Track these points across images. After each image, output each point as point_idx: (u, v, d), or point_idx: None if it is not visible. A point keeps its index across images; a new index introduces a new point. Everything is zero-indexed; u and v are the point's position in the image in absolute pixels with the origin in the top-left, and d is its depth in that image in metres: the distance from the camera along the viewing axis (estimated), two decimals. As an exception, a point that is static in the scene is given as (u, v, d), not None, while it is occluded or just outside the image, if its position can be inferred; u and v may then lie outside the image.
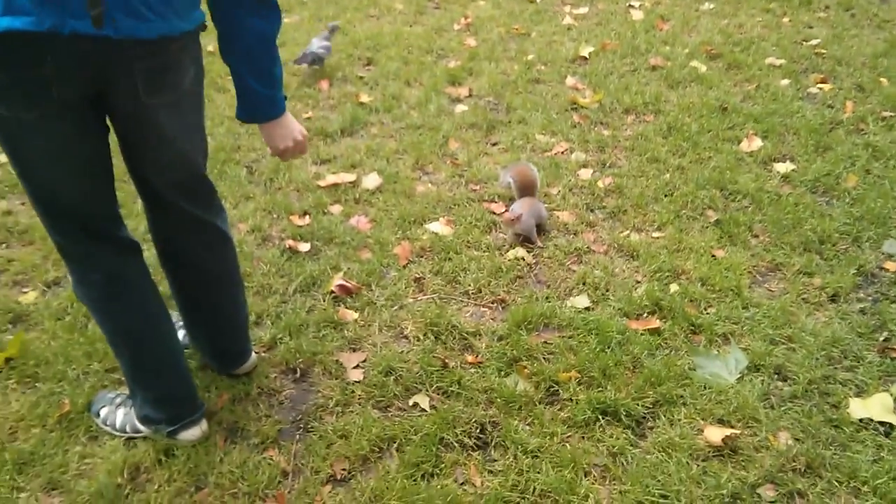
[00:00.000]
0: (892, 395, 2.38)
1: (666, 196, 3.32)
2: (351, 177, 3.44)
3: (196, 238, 2.17)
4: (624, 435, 2.23)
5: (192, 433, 2.20)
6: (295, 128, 2.06)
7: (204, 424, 2.23)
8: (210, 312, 2.33)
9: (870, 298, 2.80)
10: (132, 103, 1.78)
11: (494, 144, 3.78)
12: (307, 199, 3.30)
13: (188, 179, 2.06)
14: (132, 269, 2.08)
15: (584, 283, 2.84)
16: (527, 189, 3.17)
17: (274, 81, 1.95)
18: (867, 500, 2.06)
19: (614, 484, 2.11)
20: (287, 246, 3.01)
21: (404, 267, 2.92)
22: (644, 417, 2.30)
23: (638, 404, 2.32)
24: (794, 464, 2.15)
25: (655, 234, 3.11)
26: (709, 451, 2.19)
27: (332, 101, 4.16)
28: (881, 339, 2.60)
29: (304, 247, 3.01)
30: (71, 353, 2.52)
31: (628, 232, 3.13)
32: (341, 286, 2.76)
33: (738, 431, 2.23)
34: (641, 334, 2.57)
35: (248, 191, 3.39)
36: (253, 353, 2.44)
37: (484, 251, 3.00)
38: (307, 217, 3.19)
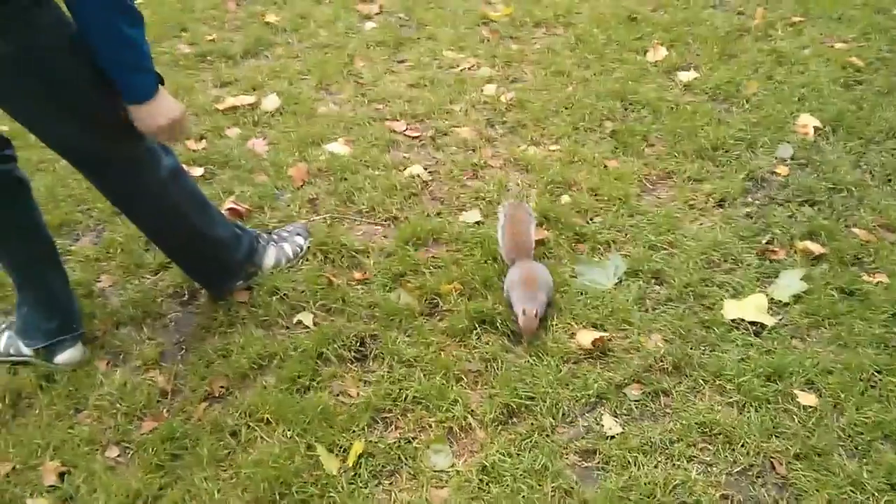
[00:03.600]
0: (767, 295, 2.46)
1: (566, 109, 3.33)
2: (250, 99, 3.39)
3: (122, 207, 2.25)
4: (499, 342, 2.30)
5: (69, 355, 2.23)
6: (167, 107, 1.92)
7: (81, 347, 2.26)
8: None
9: (757, 202, 2.86)
10: None
11: (401, 62, 3.74)
12: (205, 123, 3.26)
13: (64, 154, 2.05)
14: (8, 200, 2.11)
15: (477, 198, 2.86)
16: (521, 250, 2.48)
17: (124, 67, 1.83)
18: (731, 397, 2.16)
19: (485, 388, 2.18)
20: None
21: (299, 188, 2.92)
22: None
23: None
24: (661, 364, 2.24)
25: (552, 147, 3.13)
26: (580, 355, 2.26)
27: (238, 21, 4.07)
28: (764, 241, 2.67)
29: (198, 171, 2.99)
30: (-45, 285, 2.51)
31: (526, 146, 3.14)
32: (232, 209, 2.75)
33: (608, 334, 2.30)
34: (527, 245, 2.61)
35: (148, 117, 3.33)
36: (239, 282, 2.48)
37: (381, 170, 3.01)
38: (203, 141, 3.16)
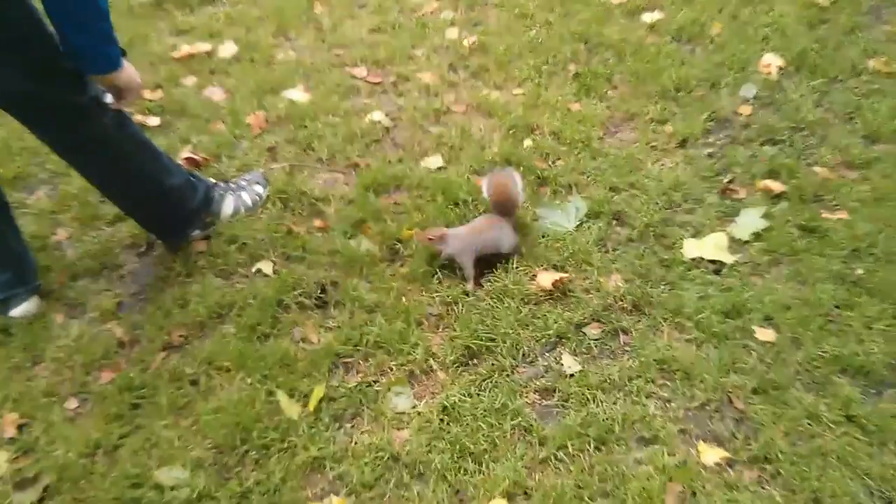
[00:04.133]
0: (728, 234, 2.47)
1: (530, 52, 3.28)
2: (207, 47, 3.32)
3: (70, 159, 2.22)
4: (460, 286, 2.29)
5: (24, 308, 2.21)
6: (133, 72, 2.02)
7: (37, 300, 2.23)
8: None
9: (719, 143, 2.85)
10: None
11: (362, 7, 3.66)
12: (160, 72, 3.19)
13: (10, 107, 2.02)
14: None
15: (439, 144, 2.83)
16: (502, 206, 2.41)
17: (100, 38, 1.86)
18: (690, 333, 2.17)
19: (446, 331, 2.18)
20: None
21: (257, 137, 2.87)
22: (481, 268, 2.35)
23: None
24: (620, 303, 2.25)
25: (516, 91, 3.09)
26: (540, 296, 2.26)
27: (192, -32, 3.95)
28: (725, 181, 2.67)
29: (154, 121, 2.93)
30: None
31: (488, 90, 3.10)
32: (188, 159, 2.70)
33: (569, 275, 2.30)
34: (488, 190, 2.59)
35: (103, 67, 3.25)
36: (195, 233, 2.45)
37: (341, 117, 2.96)
38: (159, 91, 3.09)
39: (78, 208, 2.58)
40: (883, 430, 1.90)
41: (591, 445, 1.89)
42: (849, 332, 2.16)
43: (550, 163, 2.73)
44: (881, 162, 2.73)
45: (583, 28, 3.39)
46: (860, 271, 2.32)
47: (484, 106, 3.00)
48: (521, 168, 2.66)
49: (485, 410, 1.96)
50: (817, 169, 2.70)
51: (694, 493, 1.79)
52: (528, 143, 2.81)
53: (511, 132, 2.86)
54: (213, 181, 2.50)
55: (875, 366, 2.06)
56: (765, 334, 2.15)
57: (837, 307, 2.23)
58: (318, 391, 2.01)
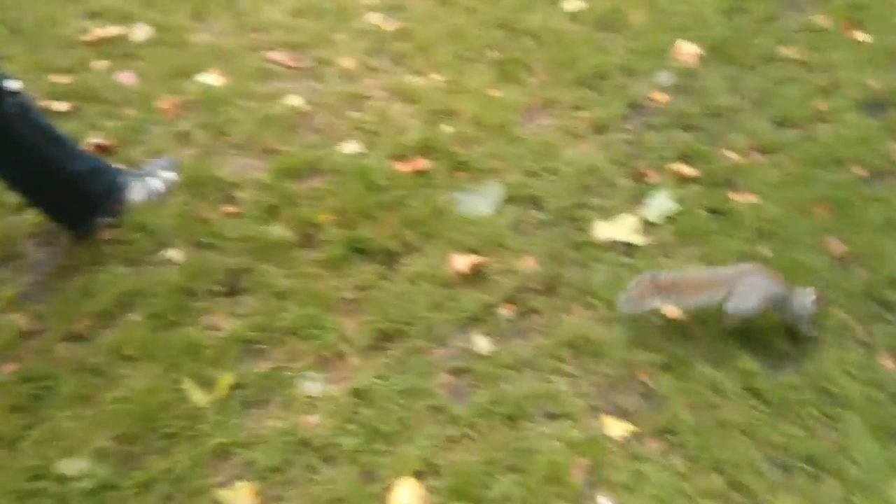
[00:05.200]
0: (639, 217, 2.51)
1: (452, 38, 3.29)
2: (118, 29, 3.23)
3: None
4: (375, 270, 2.28)
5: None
6: None
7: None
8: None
9: (635, 129, 2.90)
10: None
11: (283, -9, 3.61)
12: (70, 56, 3.09)
13: None
14: None
15: (358, 129, 2.81)
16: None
17: None
18: (597, 310, 2.20)
19: (359, 315, 2.16)
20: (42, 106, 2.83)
21: (169, 122, 2.80)
22: (397, 253, 2.34)
23: (393, 241, 2.35)
24: (533, 284, 2.26)
25: (436, 77, 3.09)
26: (456, 279, 2.26)
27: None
28: (639, 165, 2.72)
29: (63, 106, 2.83)
30: None
31: (409, 76, 3.09)
32: (98, 145, 2.63)
33: (486, 259, 2.31)
34: (406, 176, 2.59)
35: (10, 51, 3.13)
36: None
37: (258, 101, 2.92)
38: (68, 75, 2.99)
39: (-22, 196, 2.48)
40: (782, 401, 1.96)
41: (501, 422, 1.90)
42: (753, 310, 2.22)
43: (470, 148, 2.74)
44: (791, 146, 2.81)
45: (505, 14, 3.41)
46: (766, 252, 2.39)
47: (404, 91, 3.00)
48: (441, 153, 2.67)
49: (397, 392, 1.95)
50: (729, 153, 2.77)
51: (600, 465, 1.82)
52: (447, 128, 2.81)
53: (430, 118, 2.86)
54: (122, 167, 2.44)
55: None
56: (672, 312, 2.20)
57: (743, 287, 2.29)
58: (227, 378, 1.97)
